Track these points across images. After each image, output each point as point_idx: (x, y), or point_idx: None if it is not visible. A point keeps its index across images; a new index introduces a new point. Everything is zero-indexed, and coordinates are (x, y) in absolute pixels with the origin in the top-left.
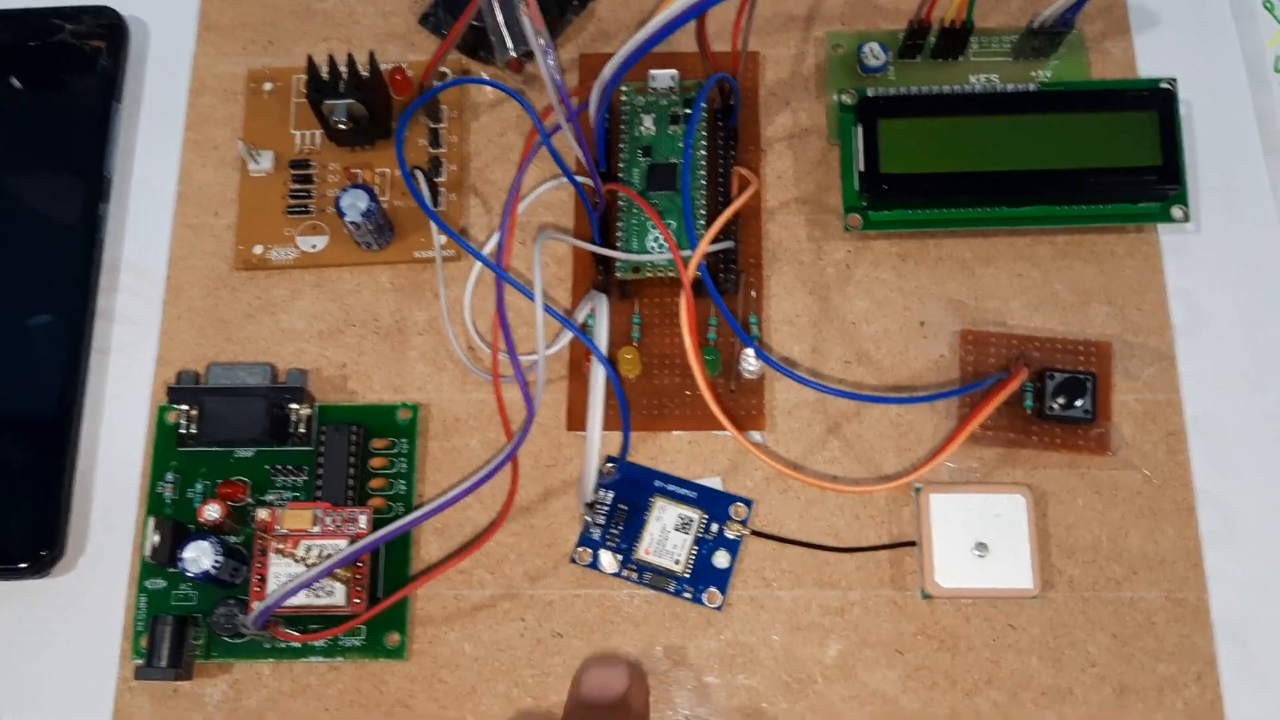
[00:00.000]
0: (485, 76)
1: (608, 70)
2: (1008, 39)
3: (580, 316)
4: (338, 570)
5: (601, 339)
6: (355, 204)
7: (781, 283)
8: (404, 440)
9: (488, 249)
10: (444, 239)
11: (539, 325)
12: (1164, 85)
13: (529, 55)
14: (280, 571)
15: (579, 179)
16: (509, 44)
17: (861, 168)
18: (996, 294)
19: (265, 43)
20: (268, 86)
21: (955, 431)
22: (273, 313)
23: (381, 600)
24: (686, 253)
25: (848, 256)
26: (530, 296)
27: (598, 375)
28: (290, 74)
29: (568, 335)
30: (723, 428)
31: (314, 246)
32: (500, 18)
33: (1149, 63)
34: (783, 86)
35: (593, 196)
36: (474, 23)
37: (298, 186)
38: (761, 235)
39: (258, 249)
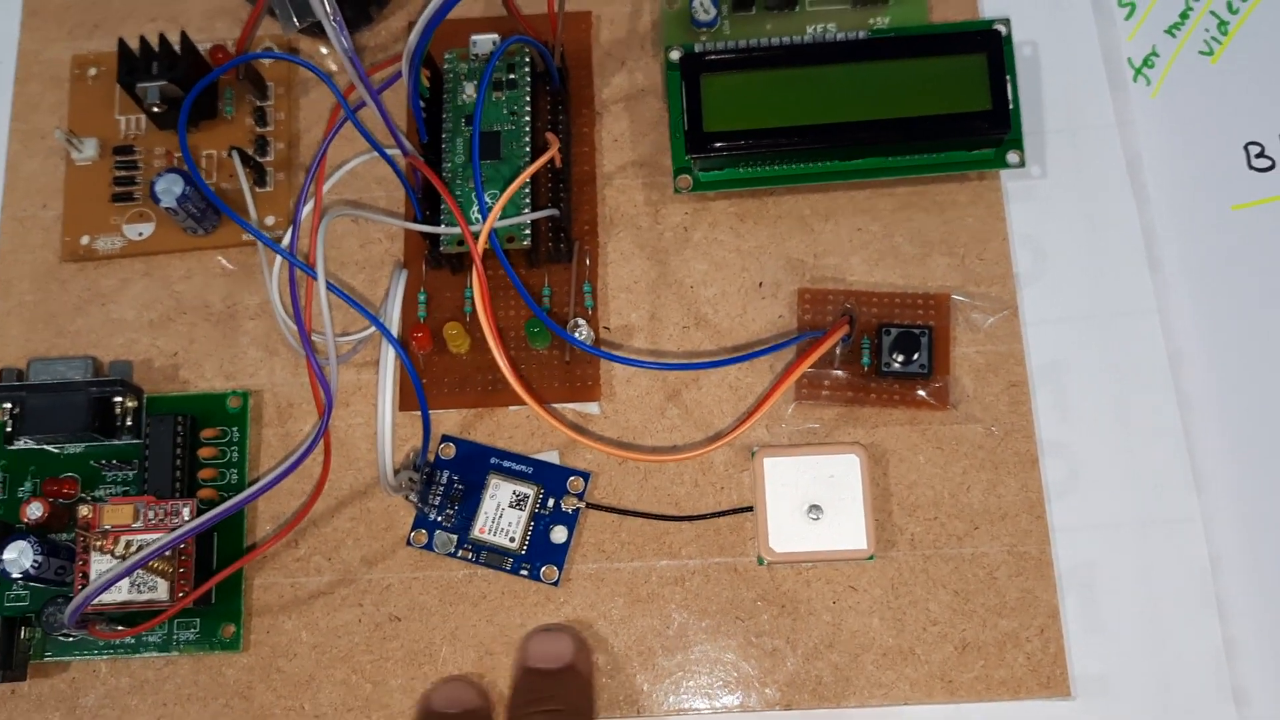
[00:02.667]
0: (274, 49)
1: (412, 38)
2: None
3: (396, 289)
4: (159, 565)
5: (393, 316)
6: (170, 189)
7: (619, 249)
8: (234, 429)
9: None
10: (273, 219)
11: (324, 307)
12: (996, 26)
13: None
14: (102, 569)
15: (388, 152)
16: (294, 17)
17: (686, 127)
18: (836, 250)
19: (91, 26)
20: (93, 72)
21: (768, 392)
22: (102, 304)
23: (198, 587)
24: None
25: (685, 219)
26: (313, 275)
27: (386, 356)
28: (115, 58)
29: (390, 314)
30: (564, 399)
31: (141, 234)
32: None
33: (992, 2)
34: (618, 46)
35: (409, 171)
36: None
37: (122, 173)
38: (598, 201)
39: (85, 239)
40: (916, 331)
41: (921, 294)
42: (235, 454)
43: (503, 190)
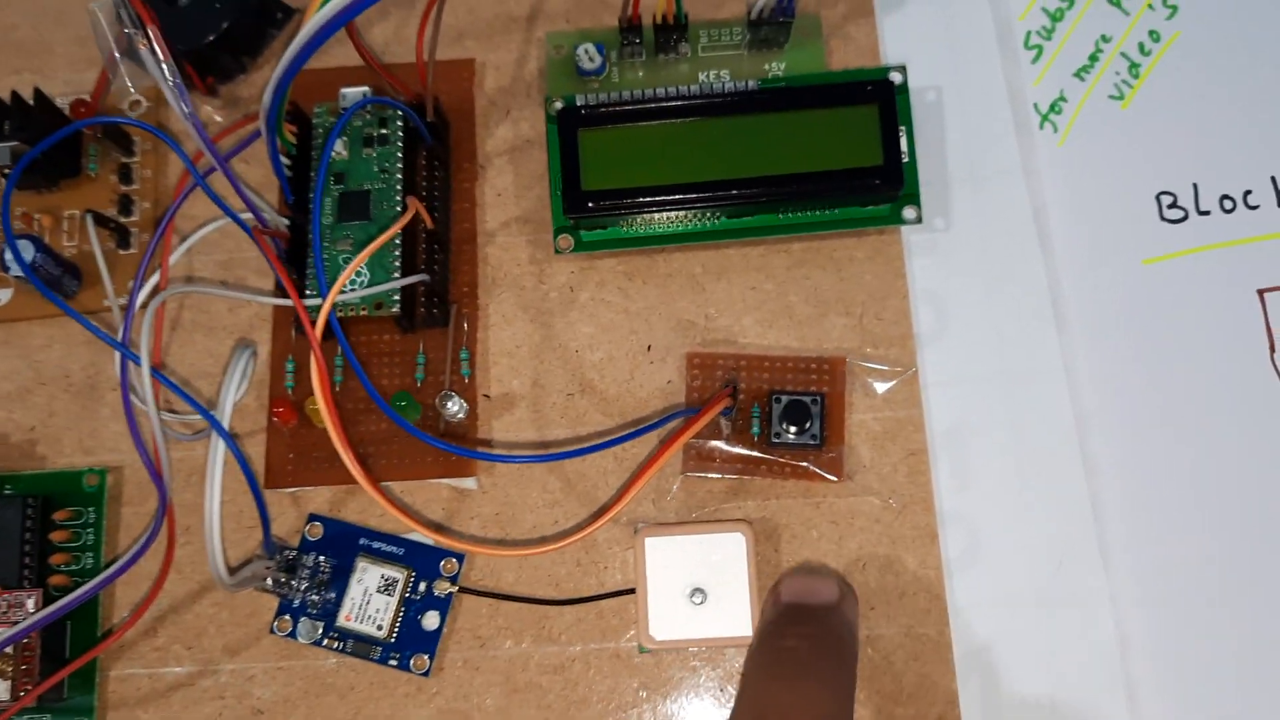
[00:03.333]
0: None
1: (266, 98)
2: (738, 29)
3: (234, 373)
4: None
5: (226, 406)
6: (20, 256)
7: (500, 311)
8: (91, 509)
9: (138, 300)
10: (137, 284)
11: (148, 396)
12: (891, 74)
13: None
14: None
15: (242, 216)
16: (128, 83)
17: (563, 185)
18: (729, 310)
19: None
20: None
21: (645, 466)
22: None
23: (44, 681)
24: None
25: (571, 279)
26: (136, 361)
27: (215, 450)
28: None
29: (225, 402)
30: (438, 475)
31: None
32: (115, 52)
33: (895, 46)
34: (503, 94)
35: (261, 237)
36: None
37: None
38: (478, 260)
39: None
40: (807, 400)
41: (816, 358)
42: (91, 536)
43: (371, 265)
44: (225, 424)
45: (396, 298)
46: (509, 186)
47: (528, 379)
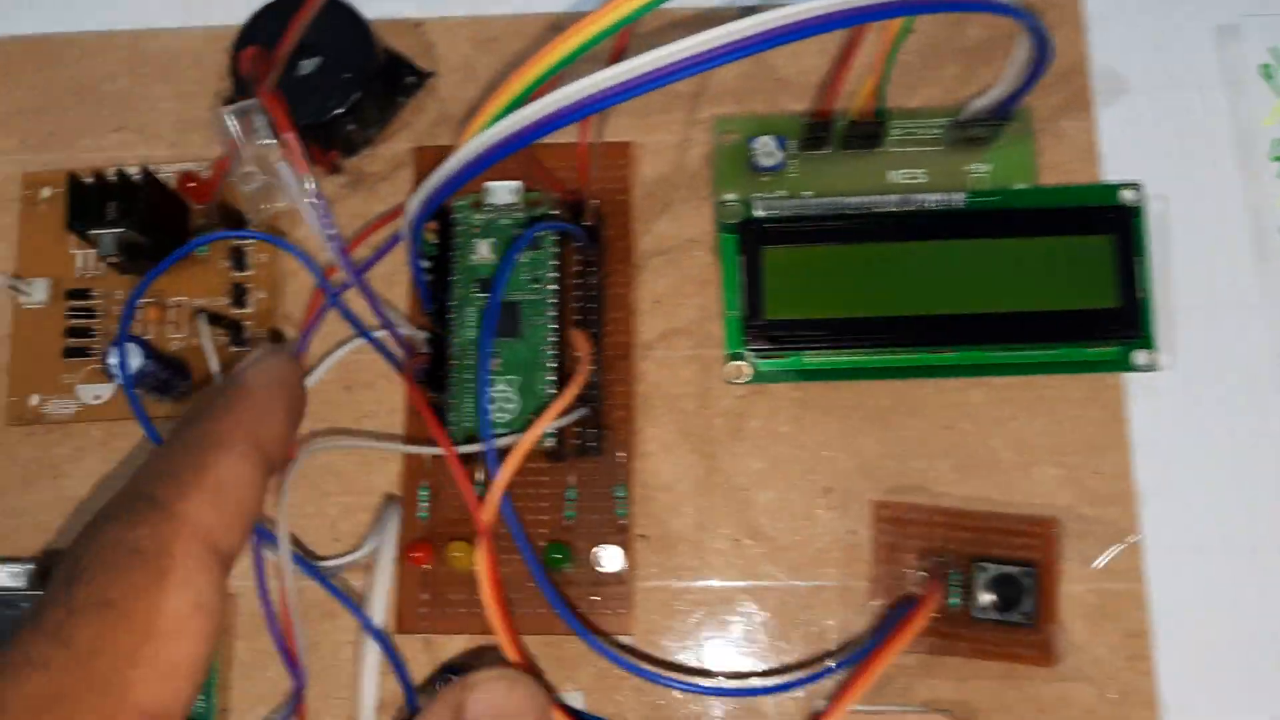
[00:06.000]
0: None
1: (412, 207)
2: (939, 123)
3: (365, 548)
4: None
5: (377, 603)
6: (125, 363)
7: (659, 438)
8: None
9: None
10: None
11: (287, 574)
12: (1123, 192)
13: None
14: None
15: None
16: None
17: (743, 310)
18: (921, 451)
19: (45, 135)
20: (46, 193)
21: (844, 689)
22: (54, 477)
23: None
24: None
25: (739, 404)
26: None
27: (368, 656)
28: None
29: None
30: (589, 629)
31: (97, 398)
32: (248, 167)
33: (1114, 147)
34: (662, 184)
35: (404, 361)
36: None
37: (76, 322)
38: (634, 377)
39: (33, 399)
40: (1017, 571)
41: (1023, 516)
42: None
43: (521, 390)
44: (379, 619)
45: (552, 436)
46: (668, 292)
47: (689, 519)
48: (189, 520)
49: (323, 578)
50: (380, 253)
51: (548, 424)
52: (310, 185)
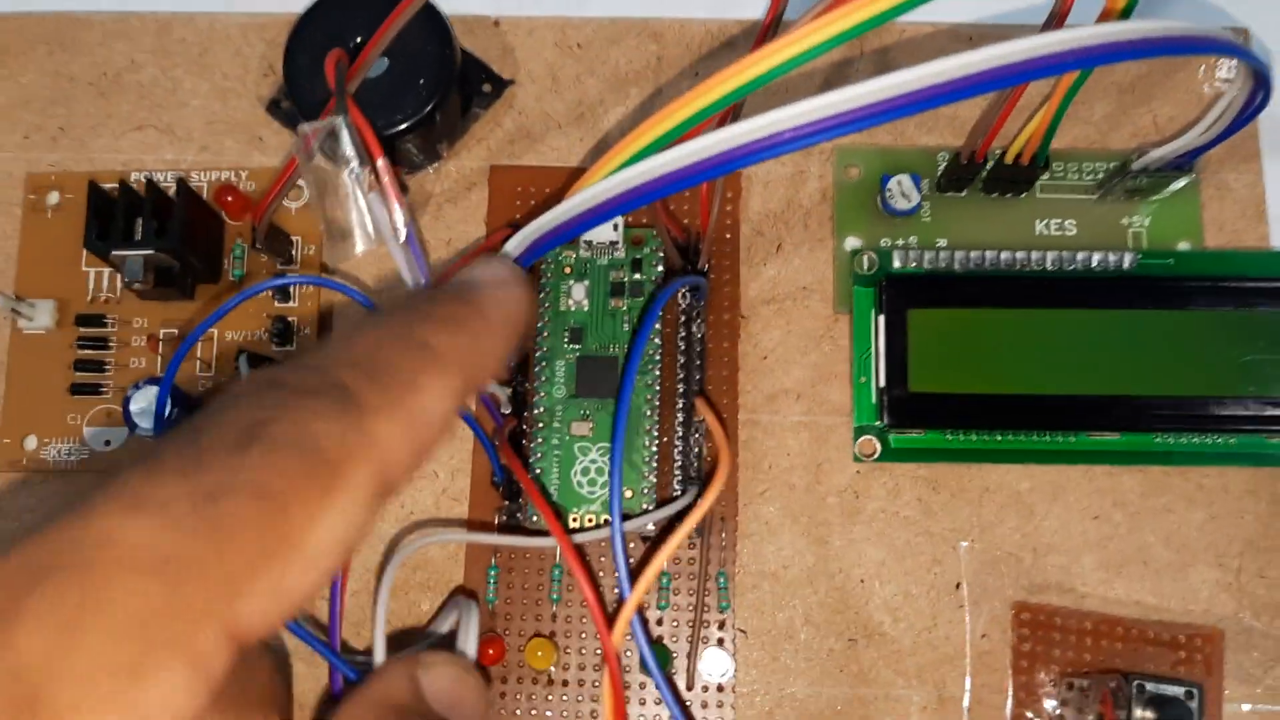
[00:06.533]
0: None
1: (510, 250)
2: (1092, 167)
3: (443, 627)
4: None
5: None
6: (149, 409)
7: (764, 518)
8: None
9: None
10: None
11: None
12: None
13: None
14: None
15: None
16: (357, 240)
17: (882, 381)
18: (1064, 545)
19: (54, 130)
20: (53, 199)
21: None
22: None
23: None
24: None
25: (856, 480)
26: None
27: None
28: (85, 181)
29: None
30: None
31: (108, 444)
32: (342, 201)
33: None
34: (773, 222)
35: (491, 433)
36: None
37: (86, 353)
38: (738, 444)
39: (30, 442)
40: (1180, 693)
41: (1183, 625)
42: None
43: (653, 456)
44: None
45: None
46: (778, 345)
47: (797, 613)
48: (378, 443)
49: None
50: None
51: (687, 533)
52: (402, 220)
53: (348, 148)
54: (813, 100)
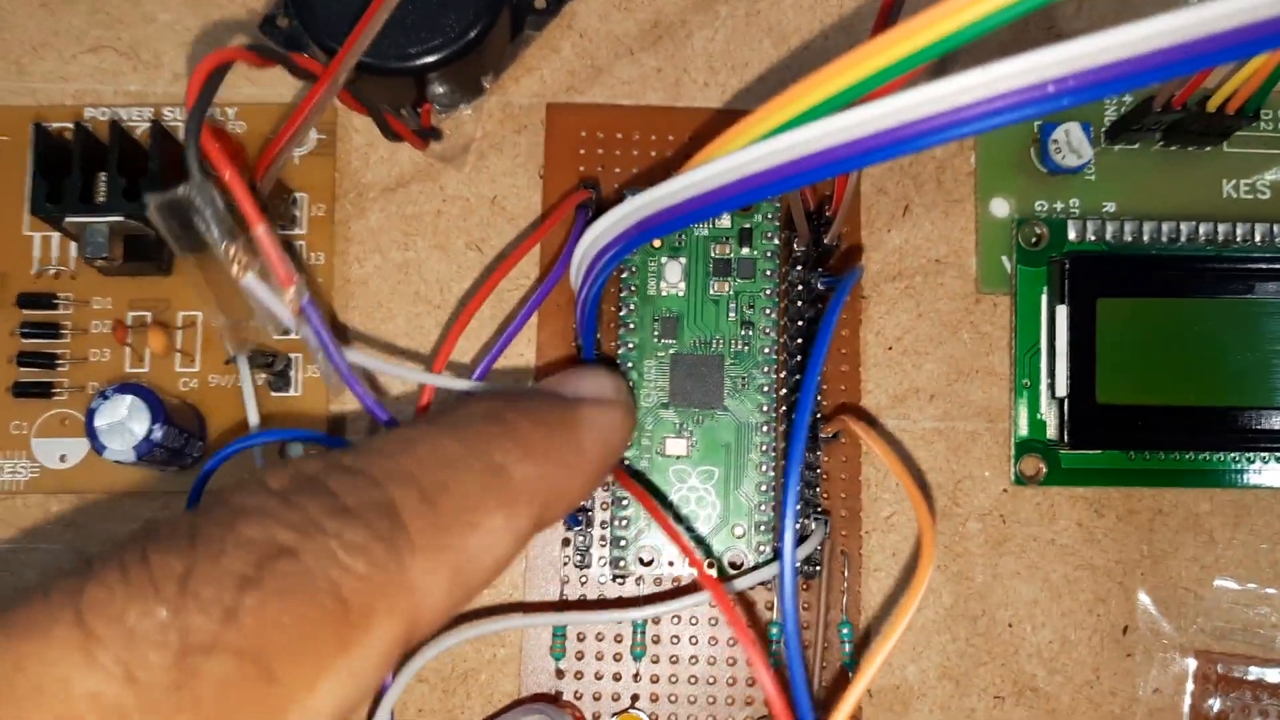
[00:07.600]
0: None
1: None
2: None
3: None
4: None
5: None
6: (126, 430)
7: (891, 547)
8: None
9: None
10: None
11: None
12: None
13: None
14: None
15: None
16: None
17: (1061, 389)
18: (1252, 577)
19: None
20: None
21: None
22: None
23: None
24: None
25: (1003, 503)
26: None
27: None
28: (27, 120)
29: None
30: None
31: (63, 459)
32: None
33: None
34: (898, 176)
35: None
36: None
37: (33, 343)
38: (860, 455)
39: None
40: None
41: None
42: None
43: (722, 488)
44: None
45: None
46: (906, 333)
47: (932, 665)
48: (414, 591)
49: None
50: (543, 290)
51: (876, 664)
52: (288, 311)
53: (206, 222)
54: (1056, 49)
